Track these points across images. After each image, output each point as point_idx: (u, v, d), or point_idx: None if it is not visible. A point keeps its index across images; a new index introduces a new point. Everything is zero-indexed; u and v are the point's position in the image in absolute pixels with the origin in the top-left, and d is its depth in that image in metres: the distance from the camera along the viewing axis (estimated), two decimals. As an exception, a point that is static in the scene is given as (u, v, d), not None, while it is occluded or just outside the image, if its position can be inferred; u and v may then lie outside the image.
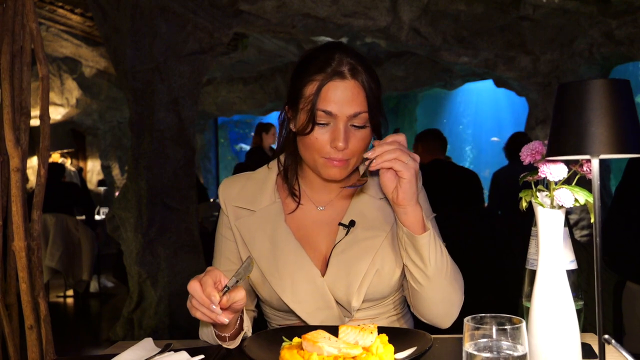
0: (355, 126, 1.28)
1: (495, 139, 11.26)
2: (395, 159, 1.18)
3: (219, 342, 1.18)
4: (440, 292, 1.29)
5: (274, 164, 1.45)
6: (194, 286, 1.06)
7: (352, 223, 1.34)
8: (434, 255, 1.25)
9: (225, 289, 1.06)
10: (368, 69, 1.31)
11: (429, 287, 1.28)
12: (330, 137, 1.27)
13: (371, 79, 1.30)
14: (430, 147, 4.05)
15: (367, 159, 1.19)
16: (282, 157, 1.44)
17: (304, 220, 1.39)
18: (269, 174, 1.44)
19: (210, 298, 1.04)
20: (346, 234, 1.34)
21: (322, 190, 1.41)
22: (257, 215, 1.38)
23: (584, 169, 0.98)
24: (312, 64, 1.30)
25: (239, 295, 1.08)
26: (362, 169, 1.24)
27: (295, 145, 1.37)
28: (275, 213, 1.38)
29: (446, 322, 1.34)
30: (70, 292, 6.52)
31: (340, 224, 1.36)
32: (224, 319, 1.06)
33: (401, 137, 1.23)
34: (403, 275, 1.37)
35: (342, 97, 1.25)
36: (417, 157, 1.22)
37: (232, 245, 1.40)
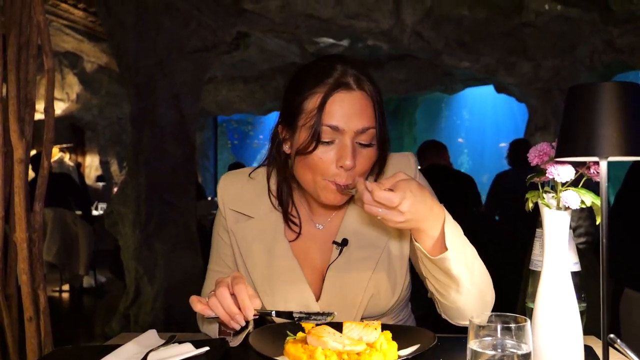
0: (361, 144, 1.17)
1: (460, 140, 11.38)
2: (383, 217, 1.04)
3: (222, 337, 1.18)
4: (473, 299, 1.16)
5: (262, 175, 1.34)
6: (223, 292, 1.05)
7: (344, 242, 1.27)
8: (463, 270, 1.11)
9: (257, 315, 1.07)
10: (371, 79, 1.21)
11: (460, 299, 1.16)
12: (335, 155, 1.15)
13: (376, 90, 1.20)
14: (427, 156, 4.38)
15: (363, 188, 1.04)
16: (272, 180, 1.33)
17: (302, 237, 1.32)
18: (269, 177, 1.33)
19: (245, 311, 1.04)
20: (339, 254, 1.26)
21: (319, 210, 1.32)
22: (255, 223, 1.30)
23: (591, 171, 0.99)
24: (311, 76, 1.19)
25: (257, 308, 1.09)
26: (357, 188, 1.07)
27: (289, 169, 1.26)
28: (274, 222, 1.30)
29: None
30: (66, 287, 6.51)
31: (334, 242, 1.28)
32: (238, 326, 1.06)
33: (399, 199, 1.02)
34: (404, 293, 1.32)
35: (349, 110, 1.15)
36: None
37: (228, 249, 1.35)
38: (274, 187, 1.32)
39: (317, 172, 1.17)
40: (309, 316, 1.08)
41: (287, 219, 1.30)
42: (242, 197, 1.32)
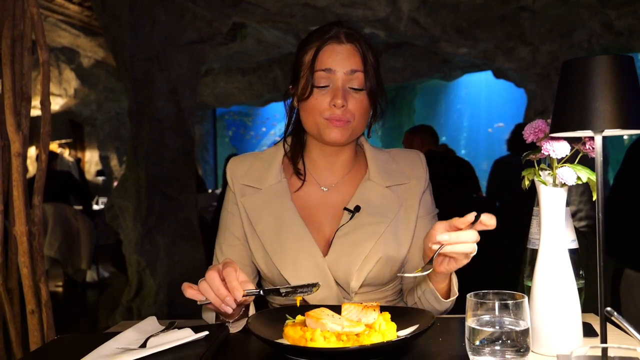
0: (353, 88, 1.31)
1: (500, 124, 11.24)
2: (465, 254, 1.10)
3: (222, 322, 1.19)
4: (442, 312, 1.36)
5: (279, 145, 1.47)
6: (212, 275, 1.07)
7: (357, 208, 1.35)
8: (450, 303, 1.31)
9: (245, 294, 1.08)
10: (365, 39, 1.36)
11: (434, 312, 1.32)
12: (329, 97, 1.30)
13: (367, 47, 1.34)
14: (426, 141, 4.41)
15: (439, 244, 1.08)
16: (289, 140, 1.46)
17: (309, 201, 1.40)
18: (275, 153, 1.45)
19: (233, 292, 1.05)
20: (351, 218, 1.34)
21: (326, 170, 1.42)
22: (263, 193, 1.39)
23: (587, 147, 0.98)
24: (311, 37, 1.37)
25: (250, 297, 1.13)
26: (430, 253, 1.12)
27: (299, 124, 1.40)
28: (281, 191, 1.39)
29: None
30: (69, 282, 6.52)
31: (345, 208, 1.36)
32: (229, 309, 1.07)
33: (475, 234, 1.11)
34: (404, 263, 1.39)
35: (338, 56, 1.31)
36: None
37: (237, 220, 1.42)
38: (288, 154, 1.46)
39: (316, 113, 1.32)
40: (295, 290, 1.11)
41: (295, 169, 1.42)
42: (250, 172, 1.43)
